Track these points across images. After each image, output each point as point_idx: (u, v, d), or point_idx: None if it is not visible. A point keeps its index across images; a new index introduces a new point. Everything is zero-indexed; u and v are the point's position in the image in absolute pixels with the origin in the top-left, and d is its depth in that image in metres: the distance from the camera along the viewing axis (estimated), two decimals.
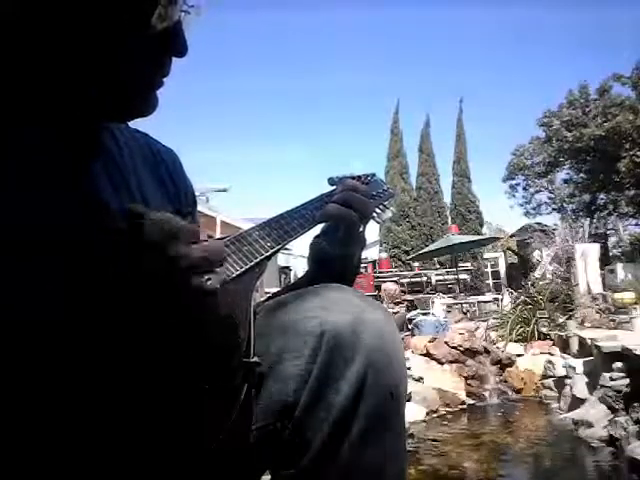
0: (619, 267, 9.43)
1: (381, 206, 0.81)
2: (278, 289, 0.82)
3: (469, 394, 5.33)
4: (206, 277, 0.47)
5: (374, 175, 0.84)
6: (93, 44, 0.52)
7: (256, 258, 0.59)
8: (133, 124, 0.68)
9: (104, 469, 0.44)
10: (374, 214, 0.80)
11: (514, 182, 18.36)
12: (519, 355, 6.01)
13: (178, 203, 0.71)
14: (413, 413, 4.44)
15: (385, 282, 10.83)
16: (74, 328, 0.43)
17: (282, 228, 0.65)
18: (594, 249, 8.13)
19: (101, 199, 0.58)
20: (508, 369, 5.73)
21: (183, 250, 0.47)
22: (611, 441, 3.49)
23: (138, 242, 0.46)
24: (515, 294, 8.19)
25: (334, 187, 0.76)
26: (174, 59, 0.58)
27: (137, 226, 0.46)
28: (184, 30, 0.56)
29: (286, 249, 9.97)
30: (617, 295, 6.75)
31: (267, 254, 0.60)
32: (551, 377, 5.29)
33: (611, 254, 15.18)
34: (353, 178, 0.82)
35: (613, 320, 6.06)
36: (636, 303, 6.18)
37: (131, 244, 0.46)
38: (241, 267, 0.56)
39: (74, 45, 0.52)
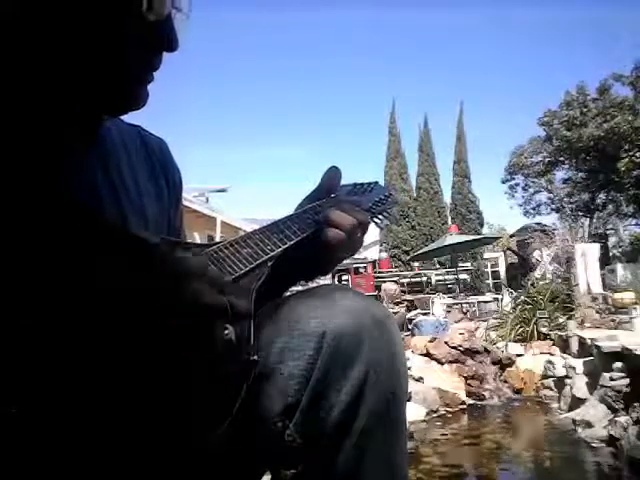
0: (619, 267, 9.42)
1: (385, 212, 0.82)
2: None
3: (469, 394, 5.34)
4: (224, 327, 0.49)
5: (376, 183, 0.85)
6: (87, 38, 0.53)
7: (256, 261, 0.60)
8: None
9: (100, 466, 0.44)
10: (377, 221, 0.80)
11: (514, 182, 18.36)
12: (519, 355, 6.02)
13: (168, 191, 0.74)
14: (413, 413, 4.45)
15: (385, 282, 10.83)
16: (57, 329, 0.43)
17: (282, 232, 0.66)
18: (594, 249, 8.14)
19: (95, 193, 0.60)
20: (508, 369, 5.74)
21: (207, 294, 0.49)
22: (611, 441, 3.50)
23: (161, 276, 0.47)
24: (515, 294, 8.20)
25: (332, 195, 0.76)
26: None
27: (165, 260, 0.48)
28: (174, 26, 0.56)
29: None
30: (617, 295, 6.75)
31: (266, 257, 0.61)
32: (551, 377, 5.30)
33: (611, 254, 15.18)
34: (355, 186, 0.82)
35: (613, 320, 6.07)
36: (636, 303, 6.19)
37: (154, 277, 0.47)
38: (241, 269, 0.57)
39: (70, 39, 0.52)
